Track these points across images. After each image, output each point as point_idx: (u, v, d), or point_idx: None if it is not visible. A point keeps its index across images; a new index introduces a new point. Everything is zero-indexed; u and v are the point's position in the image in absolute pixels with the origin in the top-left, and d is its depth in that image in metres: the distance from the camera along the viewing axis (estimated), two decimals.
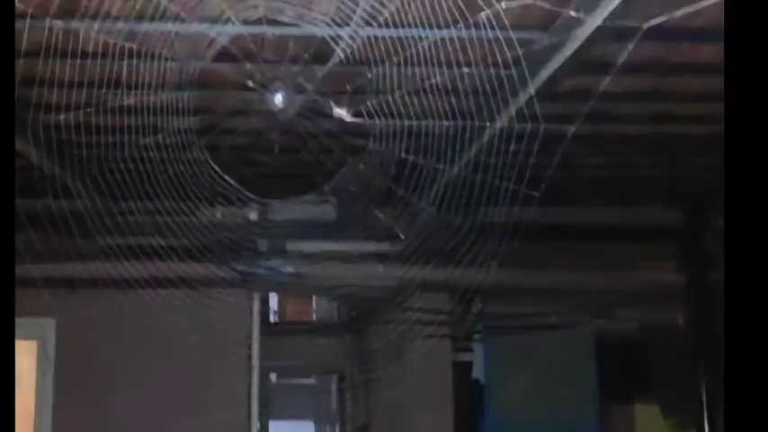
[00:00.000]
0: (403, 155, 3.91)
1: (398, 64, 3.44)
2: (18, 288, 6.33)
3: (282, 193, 4.63)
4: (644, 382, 8.36)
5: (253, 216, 6.41)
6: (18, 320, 7.25)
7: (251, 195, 4.25)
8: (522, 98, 3.93)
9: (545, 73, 3.78)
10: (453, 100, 4.00)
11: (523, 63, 3.52)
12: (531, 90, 3.79)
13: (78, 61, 3.70)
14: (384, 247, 6.53)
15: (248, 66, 3.58)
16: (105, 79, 3.86)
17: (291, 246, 6.78)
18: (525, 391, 8.23)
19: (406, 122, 3.74)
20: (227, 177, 3.98)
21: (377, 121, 3.69)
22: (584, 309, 8.04)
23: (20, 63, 3.32)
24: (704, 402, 6.78)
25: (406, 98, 3.57)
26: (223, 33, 3.45)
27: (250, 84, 3.57)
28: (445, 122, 3.98)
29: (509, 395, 8.29)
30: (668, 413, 8.30)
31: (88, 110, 3.78)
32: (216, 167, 3.97)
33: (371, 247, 6.55)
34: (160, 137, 3.87)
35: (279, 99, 3.51)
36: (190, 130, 3.84)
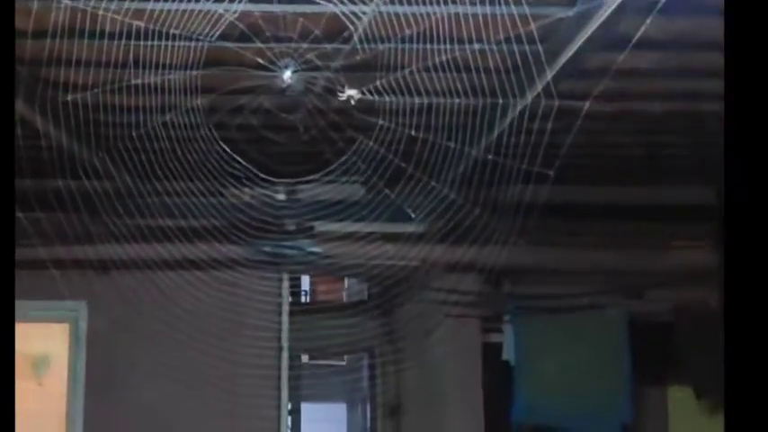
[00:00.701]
0: (413, 132, 3.87)
1: (414, 40, 3.39)
2: (49, 271, 6.40)
3: (295, 173, 4.58)
4: (677, 365, 8.28)
5: (280, 197, 6.40)
6: (50, 303, 7.36)
7: (263, 175, 4.23)
8: (548, 75, 3.87)
9: (570, 49, 3.72)
10: (475, 77, 3.95)
11: (546, 40, 3.47)
12: (557, 67, 3.74)
13: (89, 41, 3.68)
14: (412, 227, 6.50)
15: (258, 43, 3.54)
16: (118, 58, 3.84)
17: (320, 226, 6.77)
18: (555, 373, 8.16)
19: (420, 100, 3.70)
20: (236, 157, 3.96)
21: (389, 98, 3.65)
22: (615, 290, 7.96)
23: (31, 43, 3.31)
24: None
25: (423, 75, 3.53)
26: (232, 10, 3.41)
27: (260, 61, 3.53)
28: (471, 100, 3.93)
29: (539, 377, 8.23)
30: (701, 396, 8.22)
31: (96, 90, 3.76)
32: (225, 146, 3.95)
33: (399, 227, 6.52)
34: (168, 116, 3.85)
35: (288, 76, 3.48)
36: (200, 110, 3.82)
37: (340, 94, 3.72)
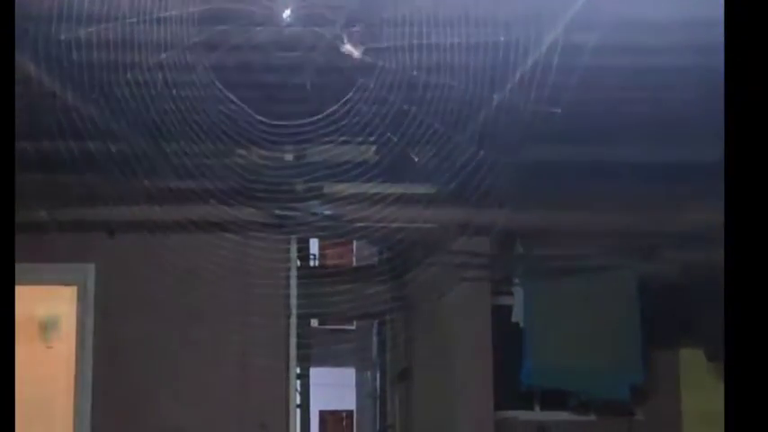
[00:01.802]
0: (415, 72, 3.79)
1: None
2: (57, 233, 6.35)
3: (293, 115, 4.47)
4: (688, 327, 8.25)
5: (288, 157, 6.34)
6: (58, 266, 7.34)
7: (260, 117, 4.15)
8: (561, 26, 3.80)
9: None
10: (489, 30, 3.88)
11: None
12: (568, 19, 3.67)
13: None
14: (423, 188, 6.44)
15: None
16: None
17: (329, 188, 6.71)
18: (566, 334, 8.14)
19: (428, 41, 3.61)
20: (233, 98, 3.89)
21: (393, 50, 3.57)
22: (626, 251, 7.92)
23: None
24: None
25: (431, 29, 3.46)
26: None
27: None
28: (482, 53, 3.86)
29: (549, 339, 8.21)
30: (713, 357, 8.19)
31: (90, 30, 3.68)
32: (222, 88, 3.88)
33: (411, 188, 6.45)
34: (164, 56, 3.78)
35: (287, 14, 3.41)
36: (197, 50, 3.74)
37: (341, 49, 3.66)
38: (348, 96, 4.04)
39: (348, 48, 3.61)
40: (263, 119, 4.18)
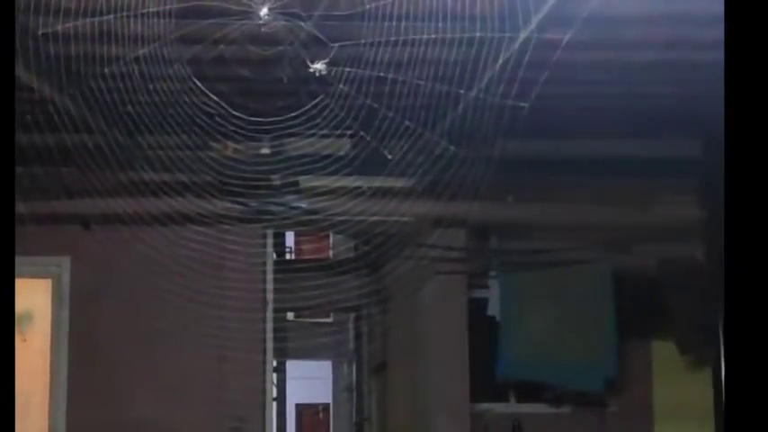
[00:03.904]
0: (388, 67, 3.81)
1: None
2: (32, 226, 6.34)
3: (269, 112, 4.49)
4: (661, 320, 8.30)
5: (265, 150, 6.33)
6: (33, 258, 7.31)
7: (235, 113, 4.17)
8: (534, 23, 3.82)
9: None
10: (464, 25, 3.90)
11: None
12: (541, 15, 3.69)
13: None
14: (399, 182, 6.45)
15: None
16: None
17: (305, 181, 6.71)
18: (541, 328, 8.19)
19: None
20: (209, 93, 3.89)
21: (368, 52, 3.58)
22: (601, 245, 7.97)
23: None
24: (722, 340, 6.69)
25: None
26: None
27: None
28: (456, 49, 3.87)
29: (524, 332, 8.25)
30: (685, 351, 8.25)
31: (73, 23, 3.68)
32: (198, 83, 3.89)
33: (387, 182, 6.46)
34: (142, 52, 3.78)
35: (264, 12, 3.42)
36: (173, 46, 3.75)
37: (309, 67, 3.69)
38: (321, 92, 4.06)
39: (315, 66, 3.64)
40: (239, 113, 4.18)
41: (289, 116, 4.06)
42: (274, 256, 8.26)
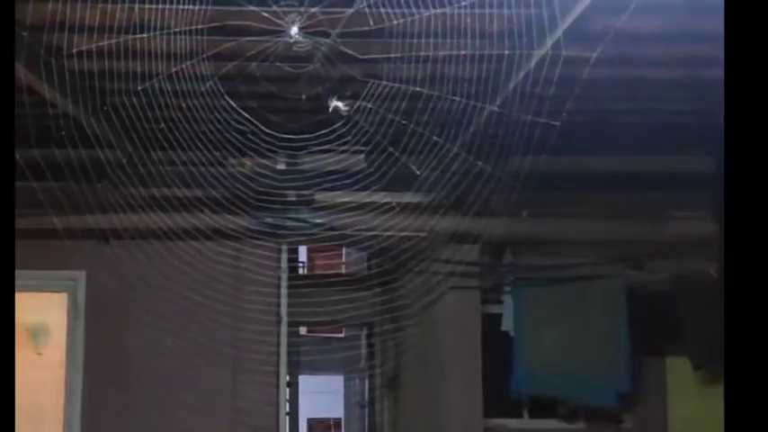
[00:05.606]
0: (409, 83, 3.83)
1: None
2: (48, 241, 6.35)
3: (298, 130, 4.53)
4: (676, 335, 8.28)
5: (281, 166, 6.36)
6: (49, 273, 7.34)
7: (267, 130, 4.20)
8: (551, 40, 3.84)
9: (574, 13, 3.69)
10: (485, 42, 3.93)
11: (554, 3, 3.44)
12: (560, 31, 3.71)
13: (92, 4, 3.65)
14: (415, 197, 6.47)
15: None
16: (122, 22, 3.80)
17: (321, 197, 6.74)
18: (554, 343, 8.18)
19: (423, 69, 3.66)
20: (238, 108, 3.92)
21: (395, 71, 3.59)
22: (615, 260, 7.97)
23: (33, 6, 3.28)
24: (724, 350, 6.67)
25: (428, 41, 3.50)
26: None
27: (266, 14, 3.49)
28: (475, 65, 3.90)
29: (538, 348, 8.24)
30: (700, 366, 8.23)
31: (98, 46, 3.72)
32: (229, 100, 3.92)
33: (401, 197, 6.48)
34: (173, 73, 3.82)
35: (294, 31, 3.46)
36: (204, 67, 3.79)
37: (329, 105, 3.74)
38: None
39: (336, 104, 3.70)
40: (266, 129, 4.22)
41: (319, 133, 4.10)
42: (288, 270, 8.28)
